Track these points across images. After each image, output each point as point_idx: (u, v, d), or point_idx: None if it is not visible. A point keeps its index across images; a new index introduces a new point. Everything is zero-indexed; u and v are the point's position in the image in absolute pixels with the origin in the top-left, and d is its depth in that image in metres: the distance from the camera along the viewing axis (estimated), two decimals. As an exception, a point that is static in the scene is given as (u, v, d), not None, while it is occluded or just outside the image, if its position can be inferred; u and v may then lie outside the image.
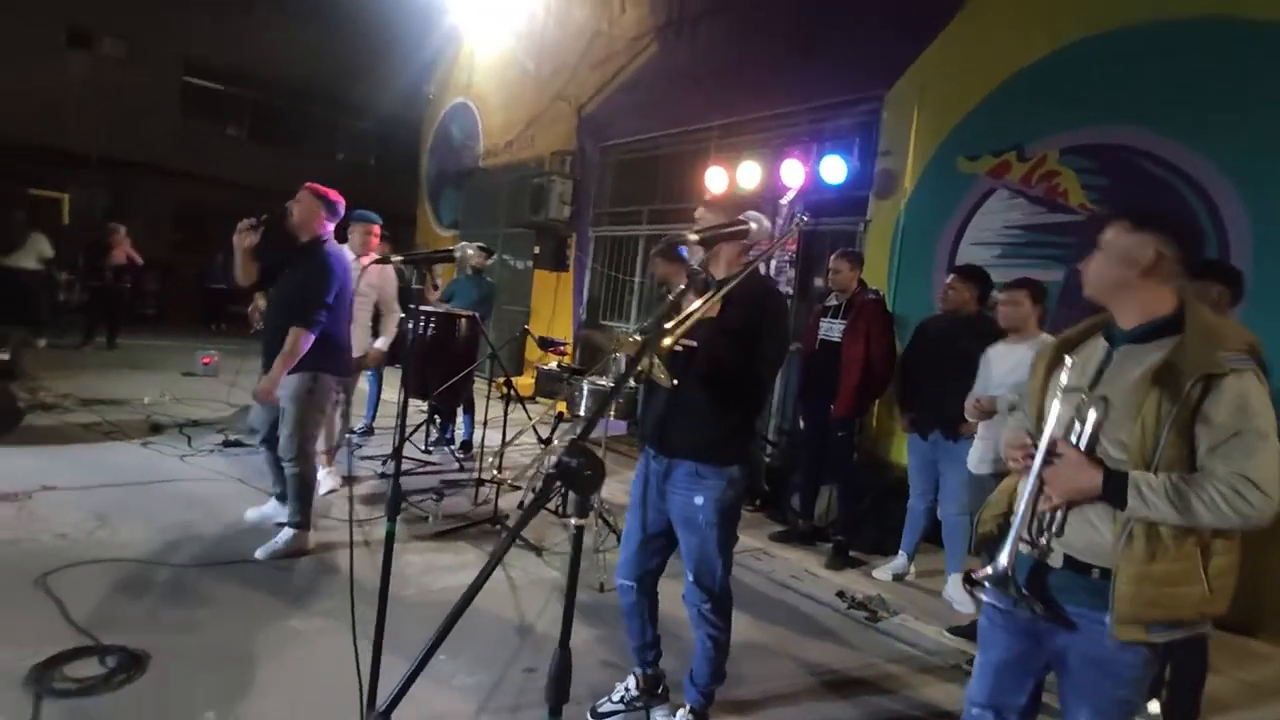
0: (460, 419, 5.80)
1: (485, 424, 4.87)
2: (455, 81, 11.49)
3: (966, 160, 4.84)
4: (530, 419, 4.82)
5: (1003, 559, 1.56)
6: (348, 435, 4.89)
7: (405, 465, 4.91)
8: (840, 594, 3.69)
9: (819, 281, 5.89)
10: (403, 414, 1.96)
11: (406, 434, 5.09)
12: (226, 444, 5.13)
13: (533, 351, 7.93)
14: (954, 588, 3.68)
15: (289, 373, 3.36)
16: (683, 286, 2.14)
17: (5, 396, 4.84)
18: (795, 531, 4.47)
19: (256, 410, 3.58)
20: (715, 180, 5.97)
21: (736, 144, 6.57)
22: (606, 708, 2.43)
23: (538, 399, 6.89)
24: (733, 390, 2.15)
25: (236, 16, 14.01)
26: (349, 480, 4.40)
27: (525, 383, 7.17)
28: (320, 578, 3.28)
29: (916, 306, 4.76)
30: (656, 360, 1.54)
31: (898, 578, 3.96)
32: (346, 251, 4.21)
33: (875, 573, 4.00)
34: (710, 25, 6.97)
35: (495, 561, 1.02)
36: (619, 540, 3.72)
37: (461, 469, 5.23)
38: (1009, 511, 1.68)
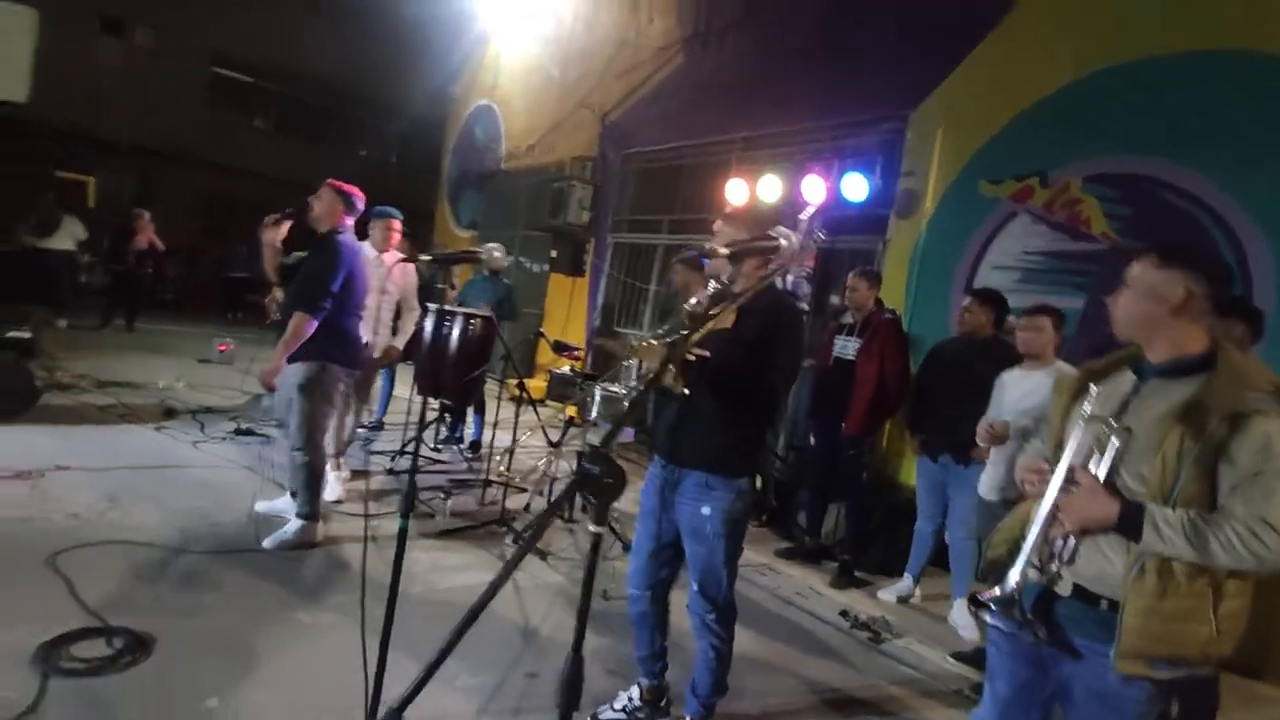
0: (471, 419, 5.81)
1: (495, 425, 4.88)
2: (480, 84, 11.58)
3: (989, 184, 4.83)
4: (540, 421, 4.82)
5: (1011, 581, 1.55)
6: (357, 430, 4.90)
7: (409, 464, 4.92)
8: (844, 613, 3.66)
9: (835, 299, 5.88)
10: (422, 413, 1.97)
11: (417, 433, 5.14)
12: (238, 432, 5.17)
13: (544, 355, 7.95)
14: (959, 613, 3.65)
15: (297, 361, 3.38)
16: (698, 297, 2.14)
17: (24, 375, 4.90)
18: (801, 548, 4.45)
19: (278, 399, 3.60)
20: (736, 192, 5.98)
21: (758, 157, 6.59)
22: (607, 715, 2.43)
23: (547, 402, 6.91)
24: (744, 401, 2.16)
25: (266, 10, 14.20)
26: (364, 475, 4.40)
27: (536, 386, 7.19)
28: (328, 571, 3.29)
29: (932, 328, 4.75)
30: (671, 367, 1.54)
31: (902, 600, 3.93)
32: (367, 248, 4.25)
33: (880, 594, 3.97)
34: (736, 38, 7.00)
35: (509, 570, 1.02)
36: (625, 549, 3.73)
37: (470, 469, 5.24)
38: (1020, 537, 1.67)
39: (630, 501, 4.56)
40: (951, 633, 3.60)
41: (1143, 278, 1.56)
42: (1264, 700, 3.30)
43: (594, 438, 5.13)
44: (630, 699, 2.44)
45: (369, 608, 2.09)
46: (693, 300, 1.86)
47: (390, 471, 4.84)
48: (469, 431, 5.82)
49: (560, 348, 5.24)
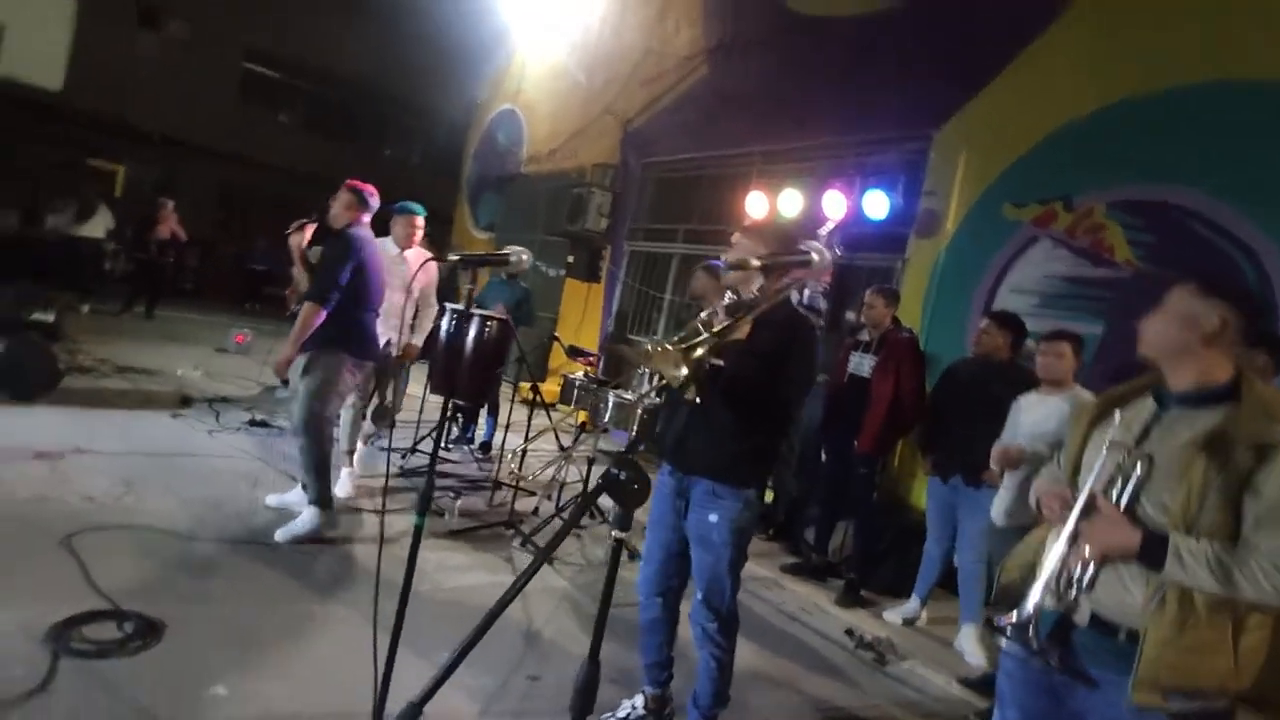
0: (483, 420, 5.83)
1: (507, 428, 4.89)
2: (505, 88, 11.67)
3: (1012, 207, 4.81)
4: (552, 424, 4.83)
5: (1028, 606, 1.54)
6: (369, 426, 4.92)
7: (423, 461, 4.95)
8: (849, 632, 3.64)
9: (851, 315, 5.86)
10: (444, 412, 1.98)
11: (429, 432, 5.17)
12: (253, 423, 5.21)
13: (556, 359, 7.96)
14: (966, 639, 3.61)
15: (308, 350, 3.45)
16: (714, 307, 2.16)
17: (47, 357, 4.97)
18: (808, 565, 4.42)
19: (293, 391, 3.64)
20: (756, 205, 5.99)
21: (779, 171, 6.59)
22: (609, 723, 2.42)
23: (558, 406, 6.92)
24: (756, 412, 2.16)
25: (299, 9, 14.41)
26: (380, 471, 4.39)
27: (549, 389, 7.20)
28: (338, 565, 3.31)
29: (949, 348, 4.72)
30: (684, 371, 1.55)
31: (908, 622, 3.89)
32: (389, 244, 4.29)
33: (886, 615, 3.93)
34: (762, 52, 7.02)
35: (529, 575, 1.03)
36: (631, 556, 3.73)
37: (479, 469, 5.26)
38: (1035, 563, 1.66)
39: (639, 510, 4.56)
40: (958, 658, 3.56)
41: (1179, 304, 1.56)
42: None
43: (605, 443, 5.13)
44: (634, 707, 2.43)
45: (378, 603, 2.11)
46: (707, 310, 1.87)
47: (402, 470, 4.85)
48: (480, 432, 5.84)
49: (575, 352, 5.26)
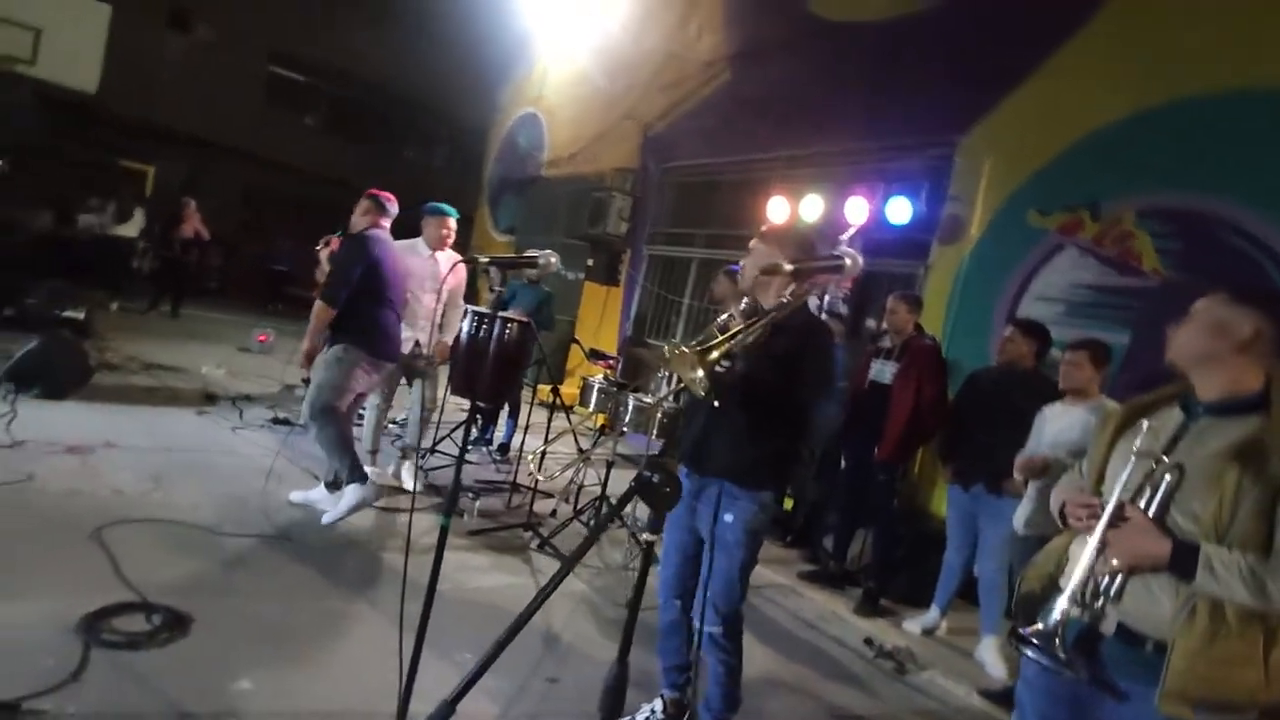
0: (503, 421, 5.86)
1: (526, 430, 4.91)
2: (526, 92, 11.75)
3: (1038, 214, 4.76)
4: (572, 427, 4.85)
5: (1054, 616, 1.52)
6: (389, 424, 4.96)
7: (441, 462, 4.98)
8: (868, 641, 3.61)
9: (871, 322, 5.83)
10: (471, 412, 2.00)
11: (448, 432, 5.21)
12: (275, 421, 5.28)
13: (573, 361, 7.99)
14: (987, 650, 3.57)
15: (328, 345, 3.59)
16: (731, 311, 2.17)
17: (79, 353, 5.08)
18: (825, 572, 4.40)
19: None
20: (777, 210, 5.98)
21: (800, 176, 6.57)
22: (628, 726, 2.42)
23: (576, 409, 6.93)
24: (773, 415, 2.17)
25: (324, 13, 14.62)
26: (415, 466, 4.42)
27: (570, 392, 7.23)
28: (360, 563, 3.35)
29: (971, 356, 4.68)
30: (700, 373, 1.56)
31: (928, 632, 3.85)
32: (420, 245, 4.32)
33: (905, 624, 3.90)
34: (784, 58, 7.01)
35: (555, 584, 1.03)
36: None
37: (497, 471, 5.28)
38: (1055, 573, 1.64)
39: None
40: (978, 669, 3.52)
41: (1210, 312, 1.54)
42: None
43: (623, 447, 5.14)
44: (653, 711, 2.43)
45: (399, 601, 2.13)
46: (725, 315, 1.87)
47: (421, 469, 4.89)
48: (499, 434, 5.87)
49: (596, 355, 5.27)
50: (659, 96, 8.58)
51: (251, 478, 4.05)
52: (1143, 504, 1.51)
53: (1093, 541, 1.54)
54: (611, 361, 5.25)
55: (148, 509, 3.35)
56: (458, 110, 14.52)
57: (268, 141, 14.26)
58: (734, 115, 7.51)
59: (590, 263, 8.86)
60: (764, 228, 2.40)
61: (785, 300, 1.91)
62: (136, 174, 13.34)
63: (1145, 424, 1.59)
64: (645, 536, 1.11)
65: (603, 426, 4.63)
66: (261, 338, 8.19)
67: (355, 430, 4.03)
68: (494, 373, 4.47)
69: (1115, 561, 1.51)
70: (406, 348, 4.15)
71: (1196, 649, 1.39)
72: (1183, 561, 1.41)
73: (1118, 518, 1.51)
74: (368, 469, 4.19)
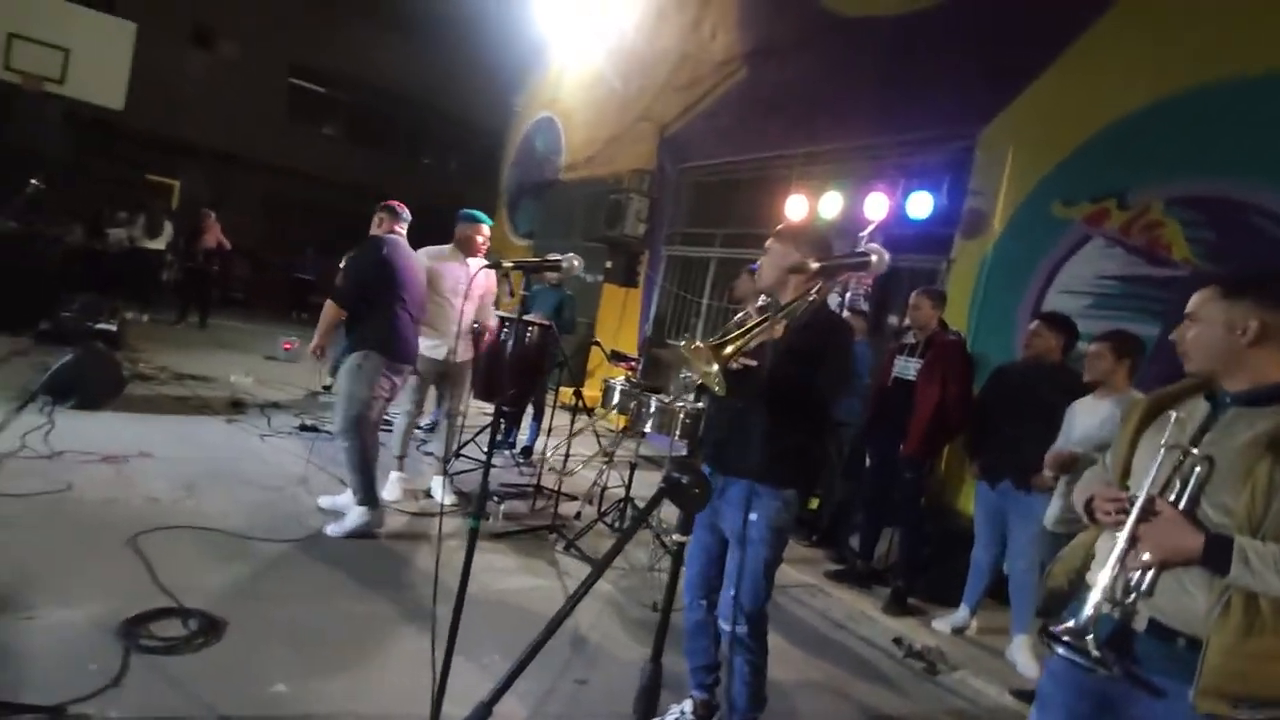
0: (527, 424, 5.89)
1: (549, 432, 4.94)
2: (542, 96, 11.82)
3: (1062, 205, 4.68)
4: (594, 428, 4.87)
5: (1085, 614, 1.50)
6: (417, 428, 5.00)
7: (465, 465, 5.02)
8: (897, 641, 3.58)
9: (893, 319, 5.78)
10: (496, 415, 2.02)
11: (473, 436, 5.24)
12: (303, 428, 5.36)
13: (593, 362, 8.01)
14: (1018, 649, 3.51)
15: (347, 353, 3.66)
16: (749, 309, 2.16)
17: (112, 364, 5.20)
18: (852, 571, 4.36)
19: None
20: (796, 208, 5.95)
21: (819, 173, 6.53)
22: (657, 728, 2.43)
23: (597, 411, 6.95)
24: (793, 412, 2.17)
25: (342, 25, 14.82)
26: (444, 470, 4.44)
27: (592, 395, 7.26)
28: (390, 566, 3.38)
29: (996, 351, 4.62)
30: (715, 368, 1.56)
31: (958, 631, 3.80)
32: (449, 252, 4.35)
33: (935, 624, 3.85)
34: (799, 55, 6.98)
35: (586, 588, 1.04)
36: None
37: (520, 473, 5.31)
38: (1082, 568, 1.61)
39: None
40: (1010, 668, 3.47)
41: (1209, 310, 1.52)
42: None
43: (645, 449, 5.14)
44: (682, 712, 2.43)
45: (429, 603, 2.15)
46: (743, 313, 1.87)
47: (445, 473, 4.92)
48: (523, 437, 5.90)
49: (617, 357, 5.28)
50: (674, 97, 8.58)
51: (281, 484, 4.12)
52: (1172, 497, 1.49)
53: (1123, 536, 1.51)
54: (632, 363, 5.26)
55: (181, 516, 3.42)
56: (474, 115, 14.64)
57: (289, 152, 14.50)
58: (750, 114, 7.49)
59: (609, 265, 8.88)
60: (780, 226, 2.40)
61: (812, 297, 1.91)
62: (162, 188, 13.63)
63: (1173, 415, 1.56)
64: (675, 538, 1.11)
65: (624, 428, 4.63)
66: (287, 345, 8.31)
67: (383, 436, 4.07)
68: (516, 376, 4.49)
69: (1146, 556, 1.48)
70: (440, 354, 4.17)
71: (1231, 644, 1.36)
72: (1216, 555, 1.38)
73: (1148, 512, 1.49)
74: (394, 474, 4.24)
